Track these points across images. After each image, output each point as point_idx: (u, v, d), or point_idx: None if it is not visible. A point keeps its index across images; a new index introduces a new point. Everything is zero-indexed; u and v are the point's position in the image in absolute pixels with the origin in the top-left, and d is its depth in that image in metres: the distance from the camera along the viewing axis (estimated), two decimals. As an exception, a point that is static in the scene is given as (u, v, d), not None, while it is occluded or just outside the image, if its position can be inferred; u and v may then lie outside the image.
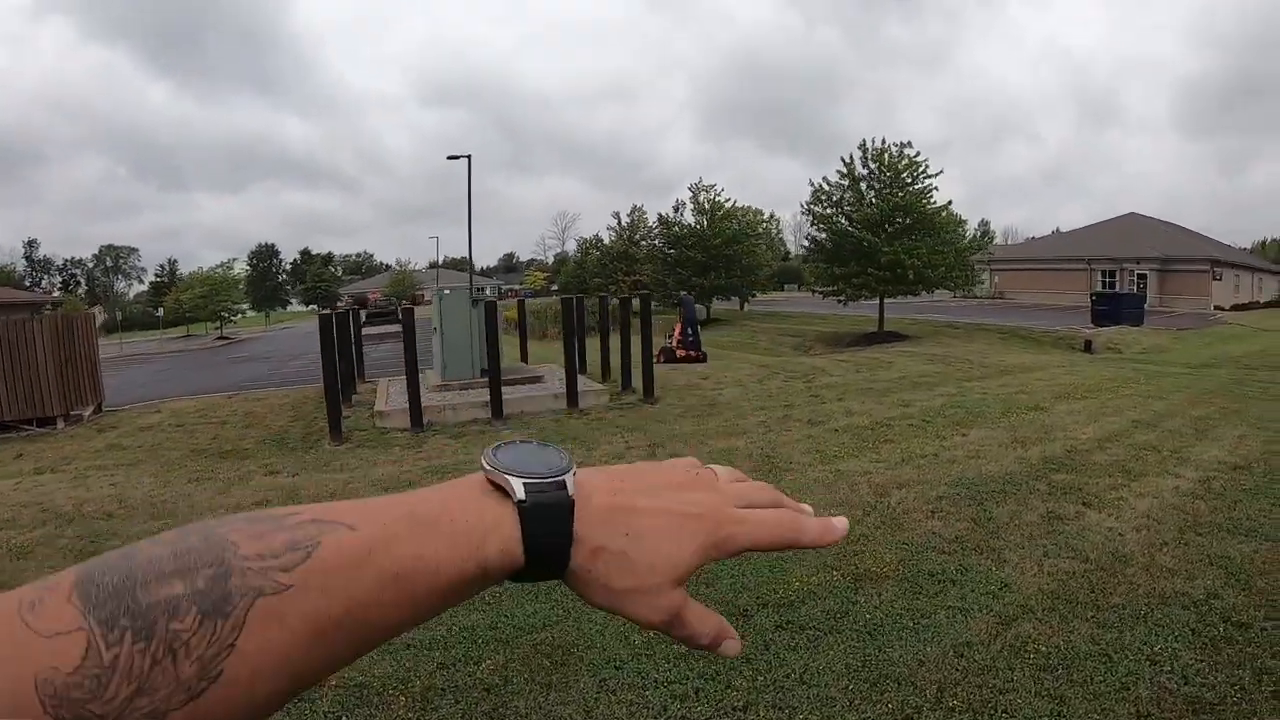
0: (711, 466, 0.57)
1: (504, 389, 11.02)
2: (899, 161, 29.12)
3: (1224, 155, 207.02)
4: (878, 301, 29.87)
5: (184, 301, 54.20)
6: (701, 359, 19.83)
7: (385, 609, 0.43)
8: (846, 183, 30.61)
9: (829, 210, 31.17)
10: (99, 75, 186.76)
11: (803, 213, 33.99)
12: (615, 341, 14.79)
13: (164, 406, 14.71)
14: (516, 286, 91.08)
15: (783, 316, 41.92)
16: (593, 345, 16.25)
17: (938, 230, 28.99)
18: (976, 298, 58.99)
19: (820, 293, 32.71)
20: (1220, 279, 46.88)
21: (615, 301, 21.67)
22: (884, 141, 29.35)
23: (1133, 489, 7.00)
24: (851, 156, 30.09)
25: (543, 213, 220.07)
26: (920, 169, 29.06)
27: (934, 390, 13.18)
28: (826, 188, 31.15)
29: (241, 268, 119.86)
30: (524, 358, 16.92)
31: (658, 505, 0.50)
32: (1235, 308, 45.07)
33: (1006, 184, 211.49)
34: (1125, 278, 47.43)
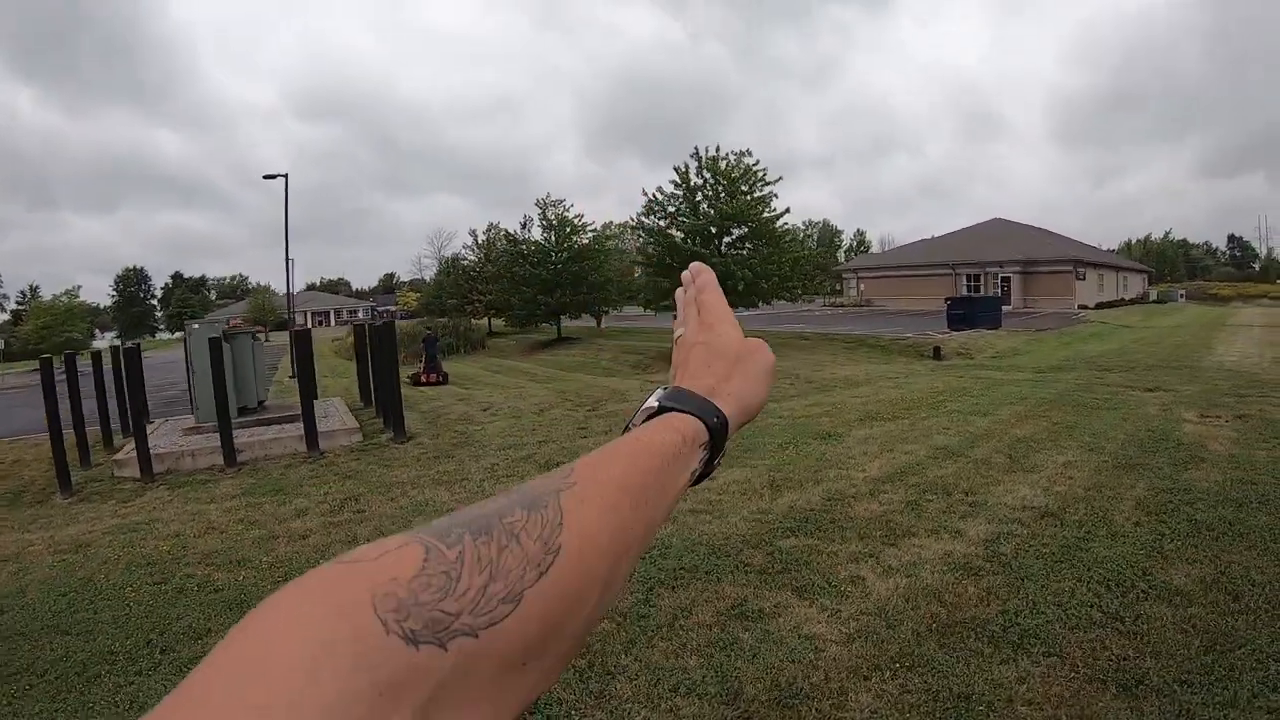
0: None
1: (252, 430, 11.10)
2: (734, 170, 27.98)
3: (1097, 165, 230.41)
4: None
5: (21, 335, 49.84)
6: (442, 381, 24.30)
7: (645, 482, 0.53)
8: (681, 193, 29.24)
9: (663, 221, 29.80)
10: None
11: (633, 226, 32.81)
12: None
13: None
14: (391, 307, 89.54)
15: (637, 333, 40.50)
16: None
17: (775, 240, 28.03)
18: (842, 305, 60.02)
19: (652, 310, 31.38)
20: (1084, 278, 49.36)
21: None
22: (718, 149, 28.21)
23: (881, 560, 5.15)
24: (686, 165, 28.82)
25: (425, 231, 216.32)
26: (758, 177, 28.08)
27: None
28: (660, 198, 29.75)
29: (107, 293, 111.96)
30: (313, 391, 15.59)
31: (726, 359, 0.70)
32: (1100, 305, 47.54)
33: (889, 196, 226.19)
34: (989, 281, 49.46)
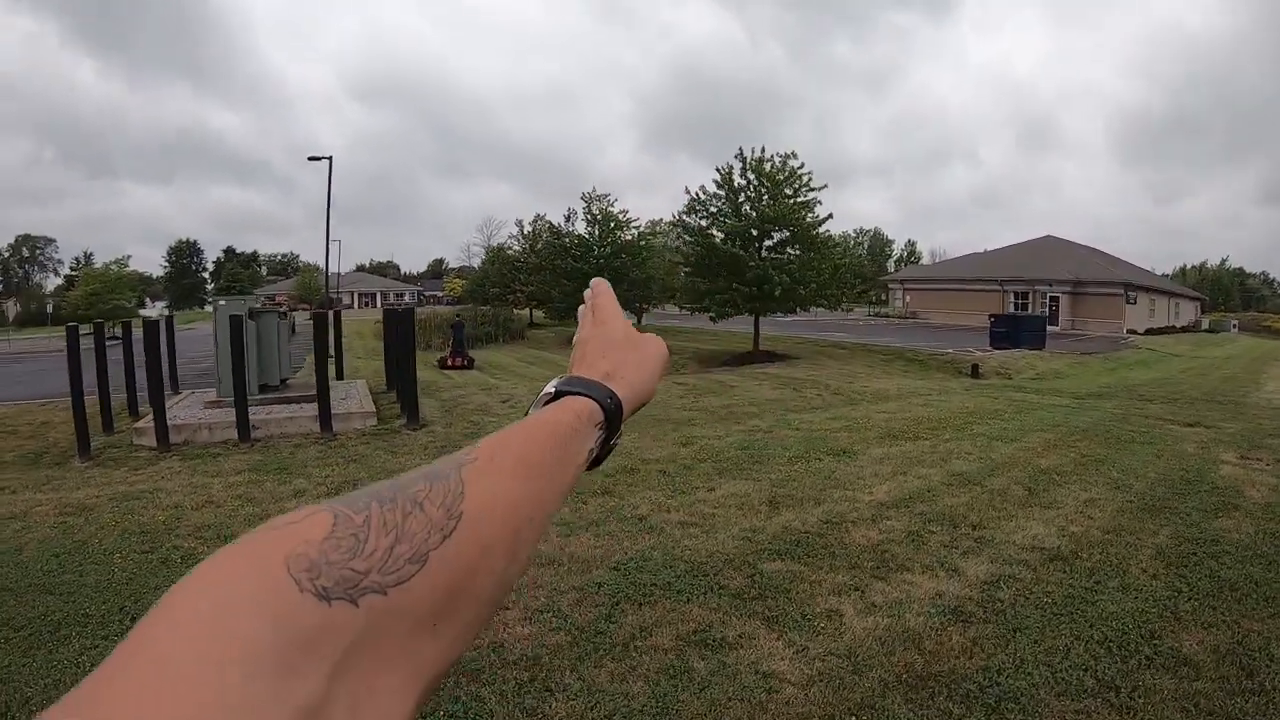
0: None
1: (270, 407, 11.26)
2: (779, 173, 27.50)
3: (1156, 184, 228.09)
4: (771, 318, 28.12)
5: (71, 300, 51.47)
6: (467, 366, 25.77)
7: (543, 457, 0.56)
8: (724, 193, 28.83)
9: (704, 221, 29.40)
10: (24, 48, 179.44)
11: (674, 224, 32.50)
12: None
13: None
14: (438, 293, 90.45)
15: (677, 331, 40.16)
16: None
17: (817, 246, 27.52)
18: (887, 316, 59.41)
19: (688, 309, 31.12)
20: (1134, 302, 48.25)
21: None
22: (763, 150, 27.68)
23: (866, 595, 4.84)
24: (730, 166, 28.35)
25: (476, 219, 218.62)
26: (803, 181, 27.56)
27: (745, 424, 11.23)
28: (703, 198, 29.37)
29: (160, 264, 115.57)
30: (339, 373, 16.87)
31: (616, 348, 0.76)
32: (1150, 331, 46.48)
33: (943, 206, 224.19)
34: (1037, 299, 48.67)
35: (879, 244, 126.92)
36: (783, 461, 8.45)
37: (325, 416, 10.55)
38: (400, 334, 12.80)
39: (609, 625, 4.34)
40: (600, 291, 0.84)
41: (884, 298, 66.60)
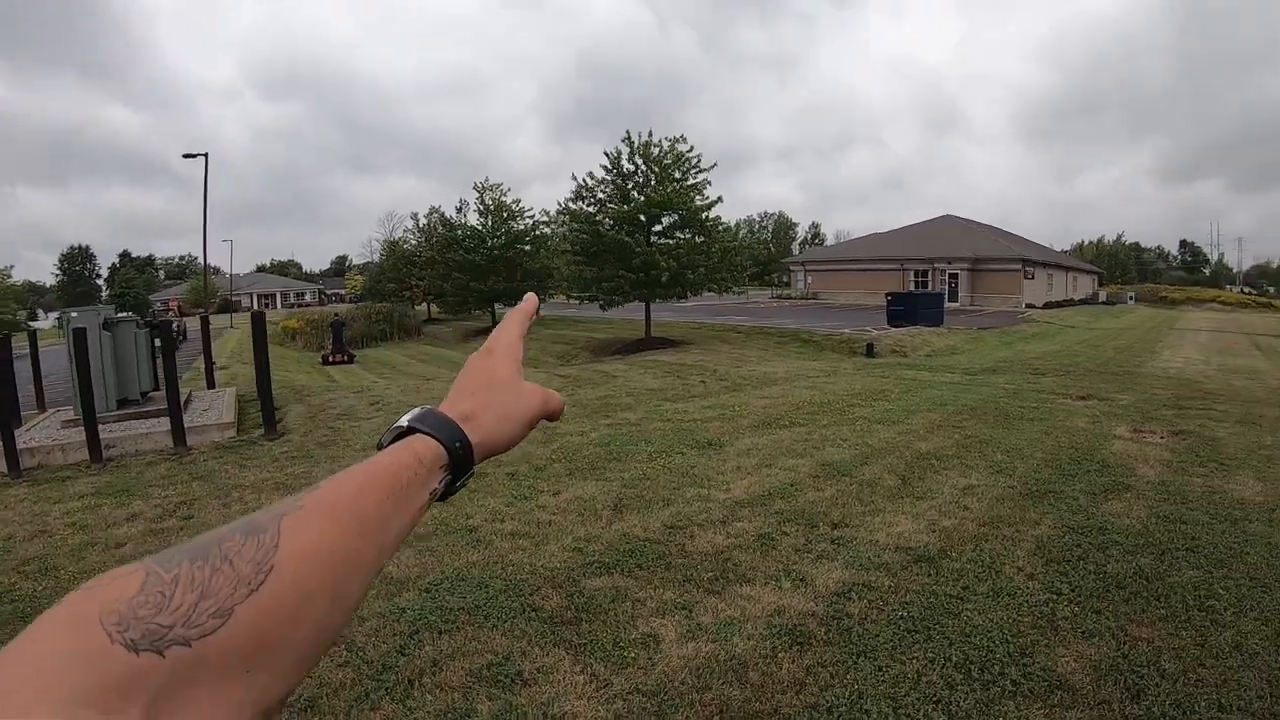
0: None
1: (128, 424, 10.73)
2: (666, 157, 27.14)
3: (1057, 165, 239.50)
4: (672, 304, 27.67)
5: None
6: (348, 361, 27.80)
7: (374, 504, 0.56)
8: (612, 179, 28.31)
9: (591, 208, 28.85)
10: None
11: (560, 211, 32.00)
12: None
13: None
14: (340, 291, 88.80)
15: (573, 322, 39.43)
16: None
17: (706, 230, 27.32)
18: (789, 298, 59.75)
19: (576, 298, 30.64)
20: (1032, 277, 49.85)
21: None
22: (650, 134, 27.27)
23: (695, 614, 4.18)
24: (618, 151, 27.85)
25: (383, 213, 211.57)
26: (691, 164, 27.29)
27: (616, 417, 10.55)
28: (590, 184, 28.79)
29: (51, 272, 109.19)
30: (210, 381, 16.24)
31: (484, 388, 0.73)
32: (1048, 305, 48.13)
33: (849, 190, 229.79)
34: (937, 277, 49.57)
35: (783, 227, 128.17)
36: (642, 458, 7.76)
37: (179, 431, 9.98)
38: (259, 340, 11.93)
39: (400, 659, 3.74)
40: (513, 315, 0.82)
41: (786, 280, 66.95)
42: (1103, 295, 66.49)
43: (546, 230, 42.89)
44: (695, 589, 4.46)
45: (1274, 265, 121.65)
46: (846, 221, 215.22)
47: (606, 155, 28.09)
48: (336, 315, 37.17)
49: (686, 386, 13.94)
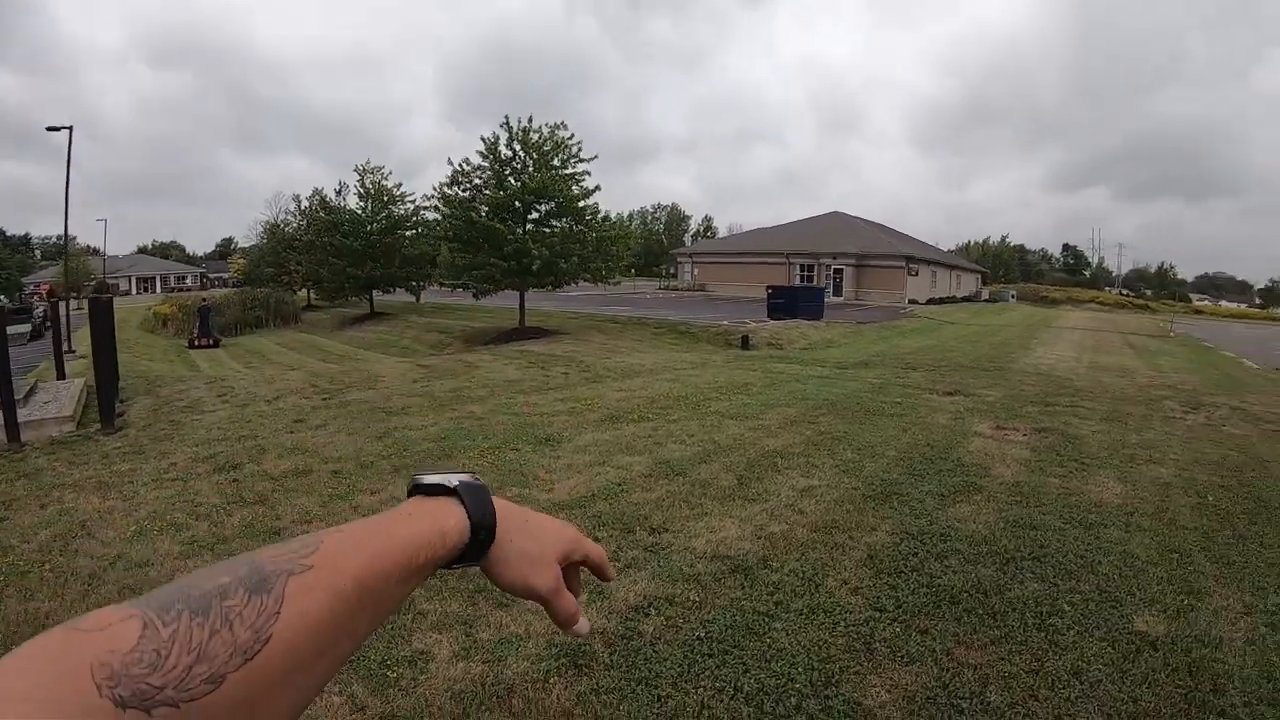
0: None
1: None
2: (545, 143, 26.67)
3: (952, 170, 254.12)
4: (558, 294, 27.31)
5: None
6: (214, 345, 29.24)
7: (383, 575, 0.56)
8: (489, 164, 27.66)
9: (466, 194, 28.16)
10: None
11: (435, 197, 31.19)
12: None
13: None
14: (224, 275, 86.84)
15: (453, 310, 38.45)
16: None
17: (584, 219, 27.03)
18: (676, 289, 59.94)
19: (448, 286, 29.99)
20: (916, 274, 51.18)
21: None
22: (530, 120, 26.70)
23: (470, 634, 3.69)
24: (496, 136, 27.19)
25: (270, 194, 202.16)
26: (571, 152, 26.89)
27: (462, 409, 9.94)
28: (467, 169, 28.08)
29: None
30: (60, 371, 14.93)
31: (536, 516, 0.74)
32: (931, 301, 50.06)
33: (748, 185, 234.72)
34: (822, 271, 50.59)
35: (676, 219, 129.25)
36: (474, 454, 7.23)
37: (11, 425, 9.27)
38: (100, 327, 11.33)
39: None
40: (584, 542, 0.79)
41: (674, 272, 67.27)
42: (986, 293, 69.00)
43: (430, 216, 41.94)
44: (484, 602, 3.91)
45: (1151, 269, 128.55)
46: (742, 216, 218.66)
47: (484, 140, 27.47)
48: (205, 300, 36.80)
49: (547, 378, 13.40)
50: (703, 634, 3.58)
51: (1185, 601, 4.24)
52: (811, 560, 4.45)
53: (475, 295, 28.22)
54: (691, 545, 4.69)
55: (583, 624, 0.75)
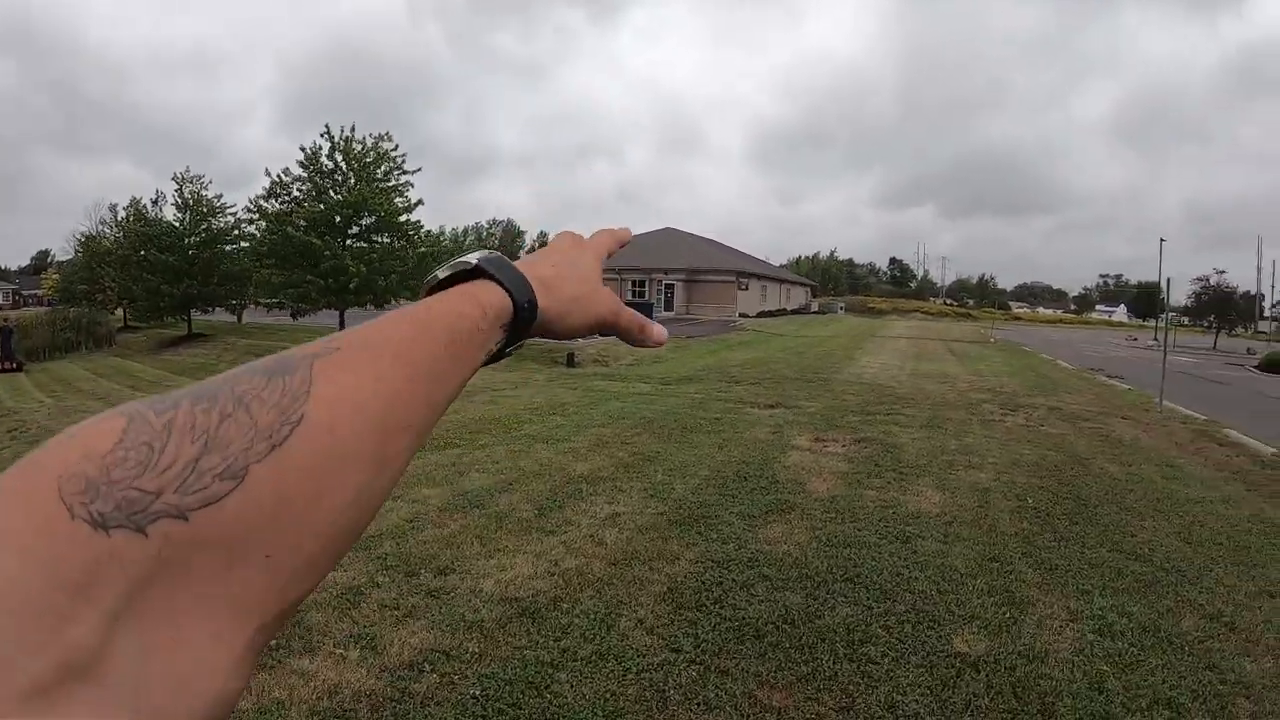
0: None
1: None
2: (367, 155, 25.86)
3: (786, 189, 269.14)
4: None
5: None
6: (17, 369, 27.65)
7: (427, 355, 0.46)
8: (309, 175, 26.59)
9: (285, 207, 26.98)
10: None
11: (251, 209, 29.80)
12: None
13: None
14: (38, 291, 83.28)
15: (278, 331, 36.56)
16: None
17: (405, 234, 26.35)
18: None
19: (264, 305, 28.83)
20: (746, 288, 53.72)
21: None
22: (353, 130, 25.86)
23: None
24: (317, 146, 26.14)
25: (90, 203, 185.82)
26: (395, 164, 26.20)
27: None
28: (286, 180, 26.89)
29: None
30: None
31: (546, 252, 0.65)
32: (761, 314, 52.24)
33: (585, 200, 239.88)
34: (654, 286, 51.96)
35: (511, 235, 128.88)
36: None
37: None
38: None
39: None
40: (610, 232, 0.74)
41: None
42: (815, 306, 72.03)
43: (252, 230, 40.16)
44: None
45: (973, 280, 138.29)
46: (579, 232, 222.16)
47: (304, 151, 26.42)
48: (5, 320, 33.82)
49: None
50: (478, 691, 3.21)
51: (1007, 614, 4.15)
52: (607, 598, 4.14)
53: (293, 315, 27.19)
54: (479, 587, 4.30)
55: (658, 330, 0.70)
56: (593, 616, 3.91)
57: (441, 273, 0.56)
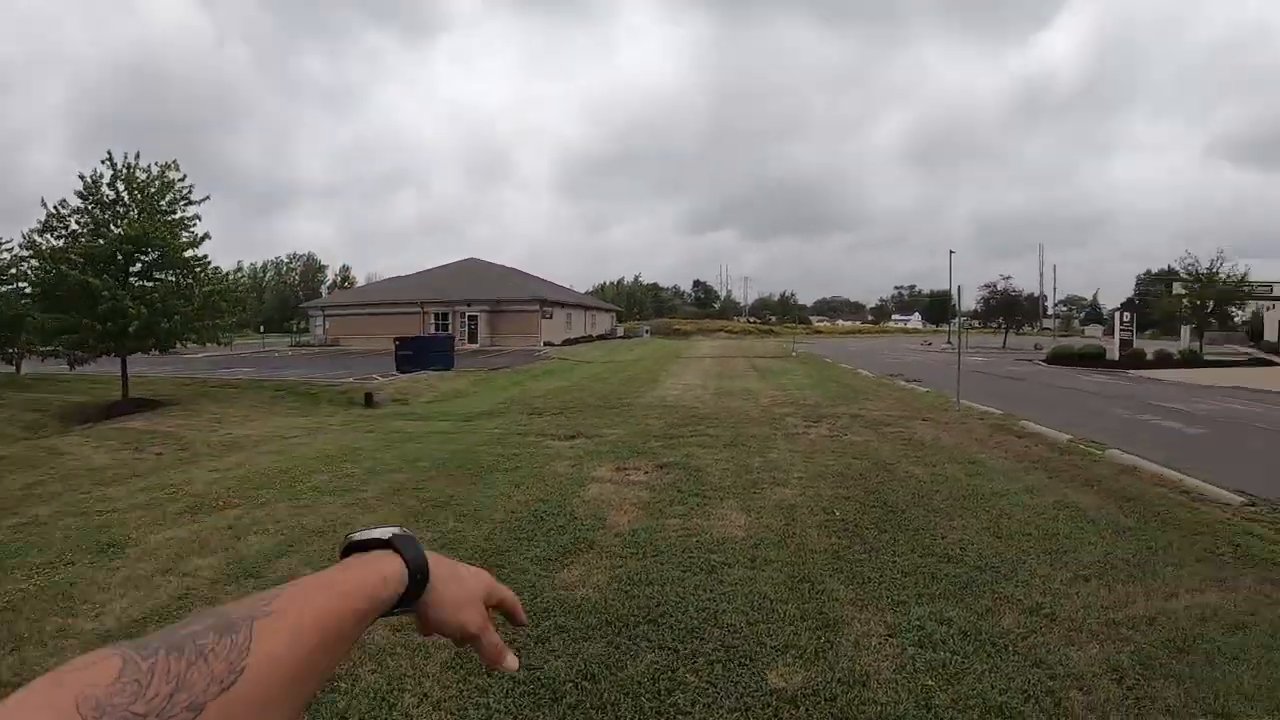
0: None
1: None
2: (151, 185, 24.07)
3: (594, 216, 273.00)
4: (178, 356, 24.42)
5: None
6: None
7: (335, 616, 0.61)
8: (88, 207, 24.46)
9: (61, 243, 24.69)
10: None
11: (22, 246, 27.19)
12: None
13: None
14: None
15: (55, 382, 33.28)
16: None
17: (192, 271, 24.63)
18: (309, 346, 57.46)
19: (38, 354, 26.46)
20: (550, 316, 53.83)
21: None
22: (138, 157, 23.94)
23: None
24: (98, 174, 24.06)
25: None
26: (182, 195, 24.48)
27: (23, 513, 8.02)
28: (63, 213, 24.62)
29: None
30: None
31: (458, 565, 0.82)
32: (566, 342, 52.71)
33: (389, 231, 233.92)
34: (457, 319, 51.28)
35: (312, 269, 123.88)
36: (24, 573, 5.76)
37: None
38: None
39: None
40: (494, 584, 0.87)
41: (304, 326, 64.44)
42: (621, 330, 72.80)
43: (26, 269, 36.73)
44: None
45: (775, 298, 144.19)
46: (383, 265, 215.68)
47: (82, 179, 24.35)
48: None
49: (138, 461, 11.69)
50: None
51: (823, 638, 4.06)
52: (389, 671, 3.78)
53: (70, 364, 25.04)
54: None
55: (511, 660, 0.82)
56: (373, 695, 3.55)
57: (360, 535, 0.75)
